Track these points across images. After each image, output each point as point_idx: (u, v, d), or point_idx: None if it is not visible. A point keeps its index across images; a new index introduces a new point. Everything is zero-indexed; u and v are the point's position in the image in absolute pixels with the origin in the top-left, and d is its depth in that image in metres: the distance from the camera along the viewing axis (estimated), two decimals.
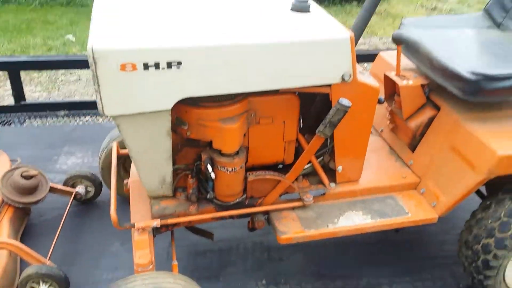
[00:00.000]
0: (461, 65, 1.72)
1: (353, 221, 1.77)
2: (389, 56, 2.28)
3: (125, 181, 1.88)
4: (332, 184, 1.86)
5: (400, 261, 2.18)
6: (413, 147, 2.02)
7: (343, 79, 1.57)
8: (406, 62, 2.07)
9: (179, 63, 1.33)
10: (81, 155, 2.83)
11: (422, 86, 1.96)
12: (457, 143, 1.80)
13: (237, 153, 1.61)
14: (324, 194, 1.85)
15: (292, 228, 1.72)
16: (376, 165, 2.04)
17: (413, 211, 1.83)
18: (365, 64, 4.54)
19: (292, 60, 1.48)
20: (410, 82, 1.94)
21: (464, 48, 1.90)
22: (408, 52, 2.03)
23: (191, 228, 1.91)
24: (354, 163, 1.86)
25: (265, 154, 1.76)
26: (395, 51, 1.99)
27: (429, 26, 2.12)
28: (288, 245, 2.16)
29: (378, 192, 1.92)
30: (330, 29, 1.54)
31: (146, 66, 1.30)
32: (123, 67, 1.28)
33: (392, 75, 2.00)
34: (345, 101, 1.49)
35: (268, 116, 1.67)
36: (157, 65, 1.31)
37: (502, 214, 1.75)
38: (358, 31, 1.83)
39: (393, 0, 6.33)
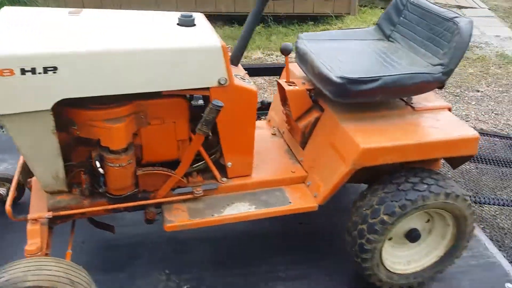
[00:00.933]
0: (333, 71, 1.94)
1: (238, 210, 1.96)
2: (293, 67, 2.50)
3: (28, 179, 2.02)
4: (224, 179, 2.05)
5: (299, 250, 2.37)
6: (303, 145, 2.23)
7: (219, 83, 1.77)
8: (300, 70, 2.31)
9: (55, 68, 1.50)
10: (13, 161, 2.94)
11: (308, 90, 2.18)
12: (335, 139, 2.01)
13: (125, 150, 1.78)
14: (216, 188, 2.04)
15: (179, 218, 1.89)
16: (271, 162, 2.23)
17: (296, 201, 2.03)
18: None
19: (168, 65, 1.67)
20: (296, 87, 2.16)
21: (344, 57, 2.12)
22: (300, 62, 2.25)
23: (93, 221, 2.06)
24: (243, 160, 2.05)
25: (159, 152, 1.93)
26: None
27: (322, 39, 2.35)
28: (194, 238, 2.34)
29: (268, 186, 2.11)
30: (205, 39, 1.74)
31: (23, 71, 1.47)
32: (1, 73, 1.45)
33: (283, 81, 2.21)
34: (217, 102, 1.69)
35: (158, 118, 1.85)
36: (33, 70, 1.48)
37: (374, 202, 1.96)
38: (240, 48, 2.06)
39: (348, 20, 6.66)
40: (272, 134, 2.48)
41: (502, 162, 3.45)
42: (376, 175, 2.02)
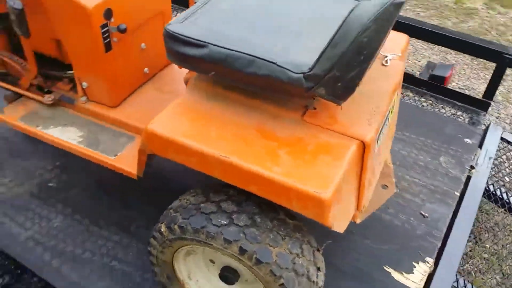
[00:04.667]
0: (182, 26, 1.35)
1: (63, 135, 1.75)
2: None
3: None
4: (83, 98, 1.82)
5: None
6: None
7: None
8: None
9: None
10: None
11: None
12: None
13: None
14: (72, 103, 1.84)
15: (12, 113, 1.82)
16: (151, 107, 1.83)
17: (122, 159, 1.68)
18: None
19: None
20: None
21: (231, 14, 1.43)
22: None
23: None
24: (100, 85, 1.75)
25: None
26: None
27: None
28: None
29: (127, 129, 1.79)
30: None
31: None
32: None
33: None
34: (12, 2, 1.45)
35: None
36: None
37: (174, 206, 1.46)
38: None
39: None
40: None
41: None
42: None
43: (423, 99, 2.81)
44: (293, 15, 1.41)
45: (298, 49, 1.20)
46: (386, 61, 1.61)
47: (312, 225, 1.40)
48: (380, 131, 1.45)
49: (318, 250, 1.43)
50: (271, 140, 1.30)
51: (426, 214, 2.09)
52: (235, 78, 1.30)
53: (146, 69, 1.89)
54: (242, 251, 1.28)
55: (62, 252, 1.87)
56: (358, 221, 1.56)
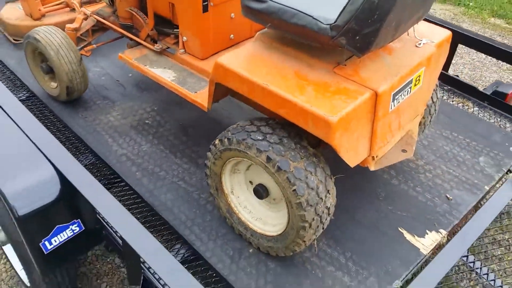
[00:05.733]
0: None
1: (162, 74, 2.33)
2: None
3: None
4: (182, 50, 2.39)
5: None
6: None
7: None
8: None
9: None
10: None
11: None
12: None
13: None
14: (174, 54, 2.42)
15: (130, 55, 2.45)
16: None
17: (199, 95, 2.20)
18: None
19: None
20: None
21: None
22: None
23: None
24: (195, 41, 2.30)
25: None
26: None
27: None
28: None
29: (209, 77, 2.31)
30: None
31: None
32: None
33: None
34: None
35: None
36: None
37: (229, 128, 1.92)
38: None
39: None
40: None
41: None
42: None
43: (482, 111, 2.98)
44: None
45: (330, 7, 1.61)
46: (420, 44, 1.94)
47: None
48: (398, 93, 1.78)
49: (330, 178, 1.79)
50: (303, 80, 1.72)
51: (451, 197, 2.31)
52: (283, 28, 1.74)
53: (232, 36, 2.41)
54: (268, 159, 1.70)
55: (145, 168, 2.42)
56: (372, 168, 1.89)
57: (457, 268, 2.29)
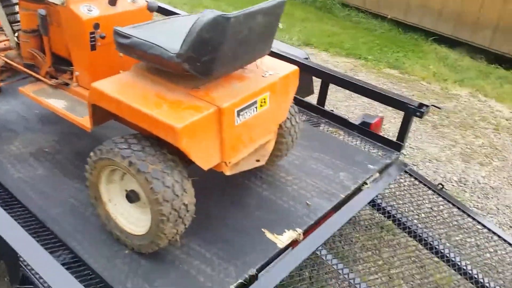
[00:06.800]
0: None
1: (55, 103, 2.64)
2: None
3: None
4: (75, 84, 2.73)
5: None
6: None
7: (61, 3, 2.48)
8: None
9: None
10: None
11: None
12: None
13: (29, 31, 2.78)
14: (68, 87, 2.75)
15: (30, 88, 2.77)
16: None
17: (83, 119, 2.52)
18: None
19: None
20: None
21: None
22: None
23: None
24: (86, 75, 2.66)
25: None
26: None
27: None
28: None
29: None
30: None
31: None
32: None
33: None
34: (40, 11, 2.43)
35: None
36: None
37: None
38: None
39: None
40: None
41: None
42: None
43: (351, 138, 3.49)
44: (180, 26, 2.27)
45: (178, 39, 2.03)
46: (265, 74, 2.40)
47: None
48: (242, 110, 2.19)
49: (187, 179, 2.14)
50: (161, 99, 2.10)
51: (311, 204, 2.71)
52: (145, 58, 2.15)
53: (121, 71, 2.78)
54: (130, 163, 2.03)
55: (37, 188, 2.65)
56: (227, 172, 2.27)
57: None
